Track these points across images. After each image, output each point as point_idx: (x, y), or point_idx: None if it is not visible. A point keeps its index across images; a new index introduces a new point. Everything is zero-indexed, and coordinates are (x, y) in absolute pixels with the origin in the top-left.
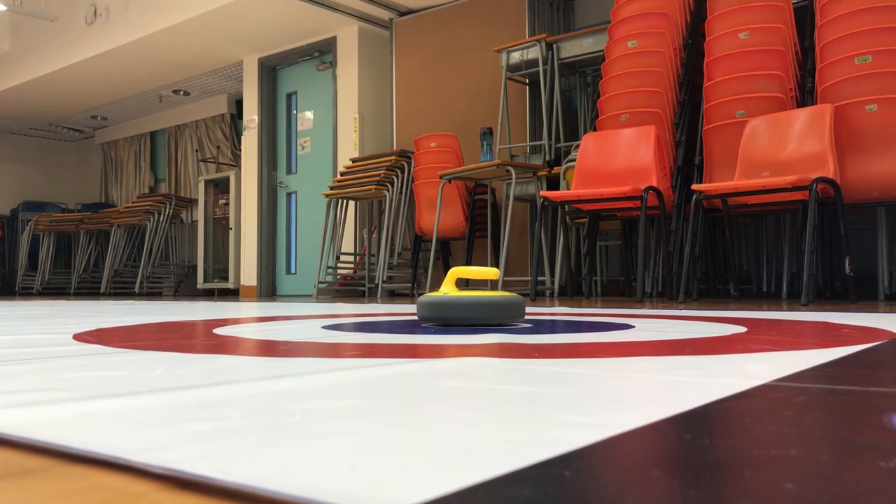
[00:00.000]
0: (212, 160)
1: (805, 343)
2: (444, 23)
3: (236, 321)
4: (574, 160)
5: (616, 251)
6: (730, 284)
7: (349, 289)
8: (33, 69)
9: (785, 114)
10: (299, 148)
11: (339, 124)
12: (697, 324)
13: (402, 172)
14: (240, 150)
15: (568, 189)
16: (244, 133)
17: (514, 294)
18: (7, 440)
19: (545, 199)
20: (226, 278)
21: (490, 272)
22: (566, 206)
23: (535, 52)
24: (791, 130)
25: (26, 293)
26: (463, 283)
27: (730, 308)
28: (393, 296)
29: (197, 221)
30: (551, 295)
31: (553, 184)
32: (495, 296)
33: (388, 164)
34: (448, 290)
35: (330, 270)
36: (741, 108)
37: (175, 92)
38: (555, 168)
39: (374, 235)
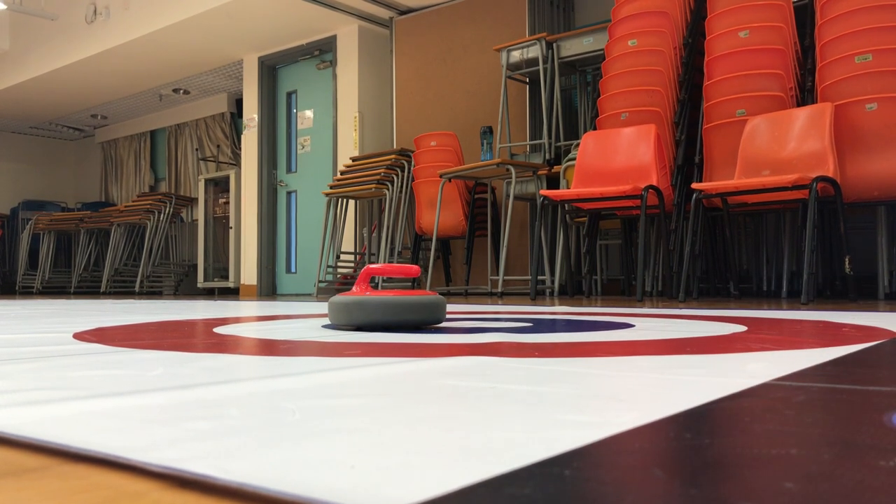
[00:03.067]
0: (212, 159)
1: (805, 342)
2: (444, 22)
3: (236, 320)
4: (574, 159)
5: (616, 250)
6: (730, 283)
7: (349, 287)
8: (33, 68)
9: (785, 113)
10: (299, 147)
11: (339, 123)
12: (697, 323)
13: (402, 171)
14: (240, 148)
15: (568, 188)
16: (244, 132)
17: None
18: (7, 439)
19: (545, 198)
20: (226, 277)
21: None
22: (566, 205)
23: (535, 51)
24: (791, 129)
25: (26, 292)
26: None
27: (730, 307)
28: None
29: (197, 220)
30: (551, 294)
31: (553, 183)
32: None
33: (388, 162)
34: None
35: (330, 269)
36: (741, 107)
37: (175, 91)
38: (555, 167)
39: (374, 234)
